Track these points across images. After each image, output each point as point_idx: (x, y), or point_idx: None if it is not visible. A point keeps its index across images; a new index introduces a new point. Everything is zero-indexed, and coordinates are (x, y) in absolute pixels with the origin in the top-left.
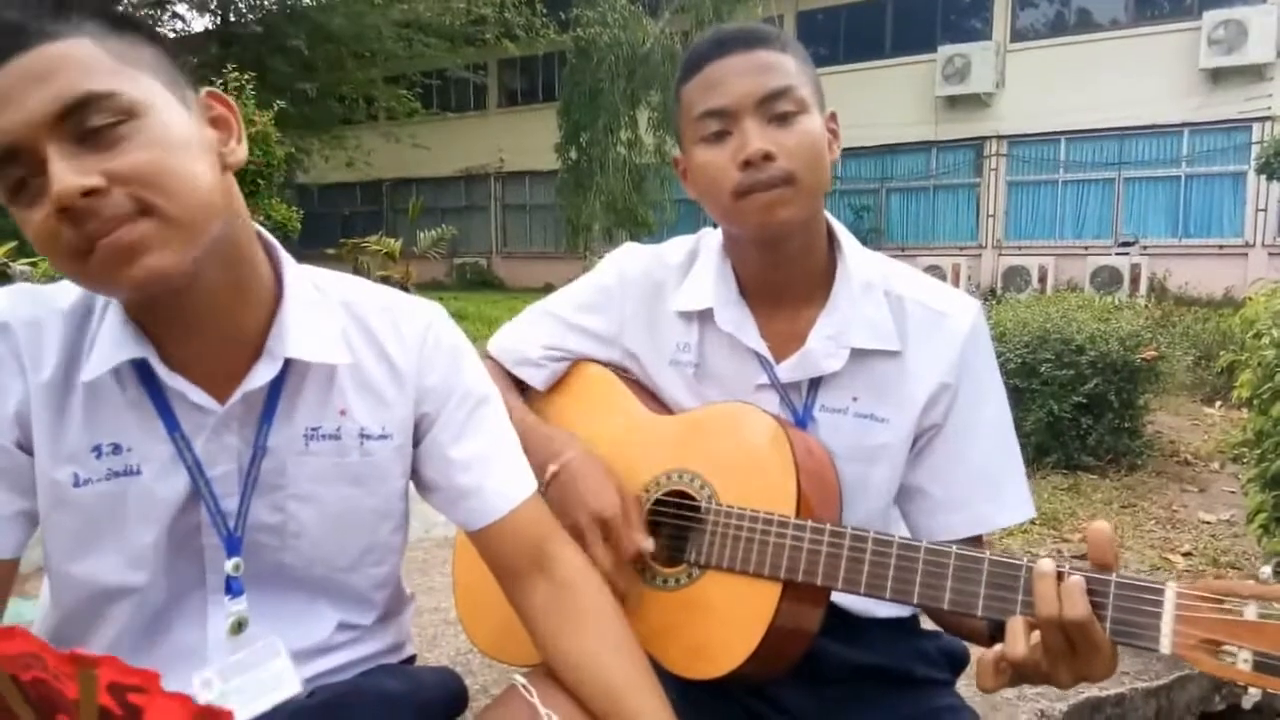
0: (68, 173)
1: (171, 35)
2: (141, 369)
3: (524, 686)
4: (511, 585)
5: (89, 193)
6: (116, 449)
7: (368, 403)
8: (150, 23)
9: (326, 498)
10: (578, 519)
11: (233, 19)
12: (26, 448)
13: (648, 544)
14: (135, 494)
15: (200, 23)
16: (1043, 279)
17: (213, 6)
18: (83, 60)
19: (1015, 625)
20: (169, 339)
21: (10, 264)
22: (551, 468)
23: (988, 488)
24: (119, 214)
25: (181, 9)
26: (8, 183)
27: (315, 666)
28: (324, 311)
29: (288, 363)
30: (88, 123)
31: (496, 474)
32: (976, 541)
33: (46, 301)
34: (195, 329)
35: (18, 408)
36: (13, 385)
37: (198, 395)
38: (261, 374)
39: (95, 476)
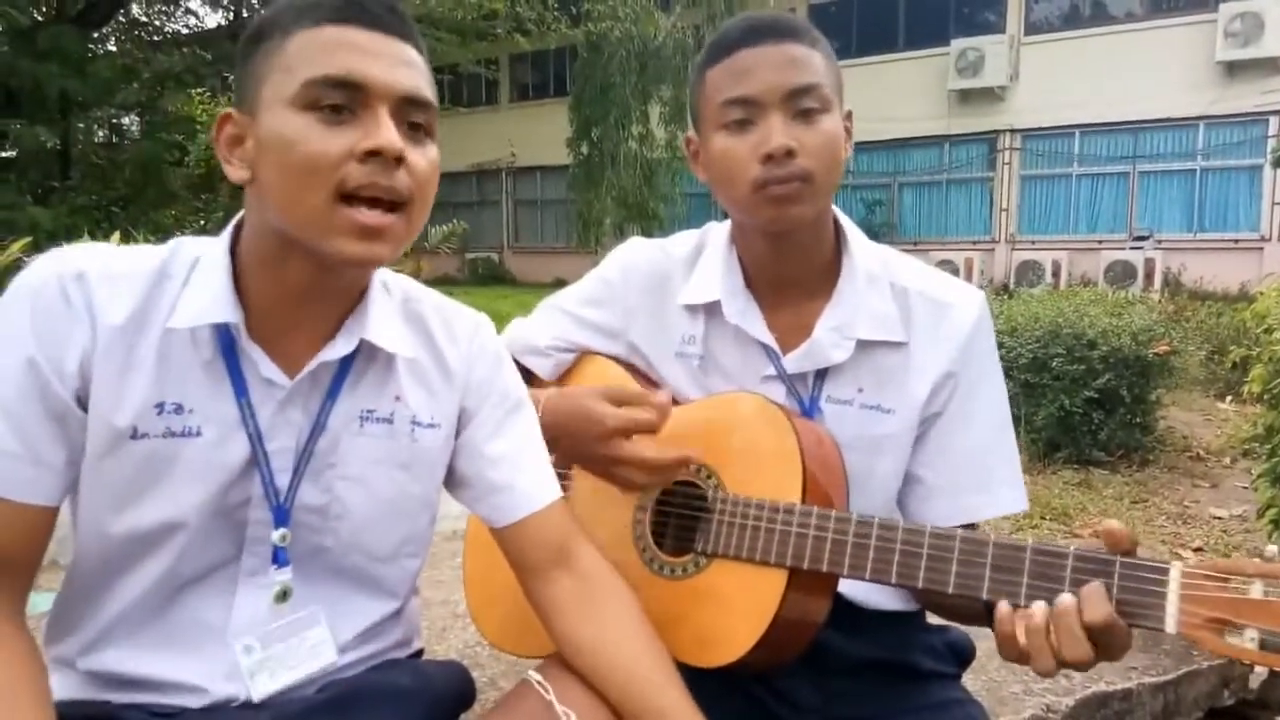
0: (393, 132)
1: (185, 32)
2: (222, 334)
3: (538, 683)
4: (532, 580)
5: (399, 158)
6: (179, 409)
7: (420, 392)
8: (164, 19)
9: (374, 480)
10: (593, 451)
11: (245, 14)
12: (84, 402)
13: (663, 395)
14: (189, 455)
15: (213, 19)
16: (1056, 274)
17: (225, 2)
18: None
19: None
20: (262, 311)
21: (25, 259)
22: None
23: (979, 477)
24: (400, 189)
25: (195, 4)
26: (325, 99)
27: (338, 660)
28: (389, 305)
29: (359, 346)
30: (411, 118)
31: (526, 474)
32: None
33: (127, 259)
34: (298, 307)
35: (82, 359)
36: (78, 334)
37: (270, 369)
38: (338, 349)
39: (153, 432)
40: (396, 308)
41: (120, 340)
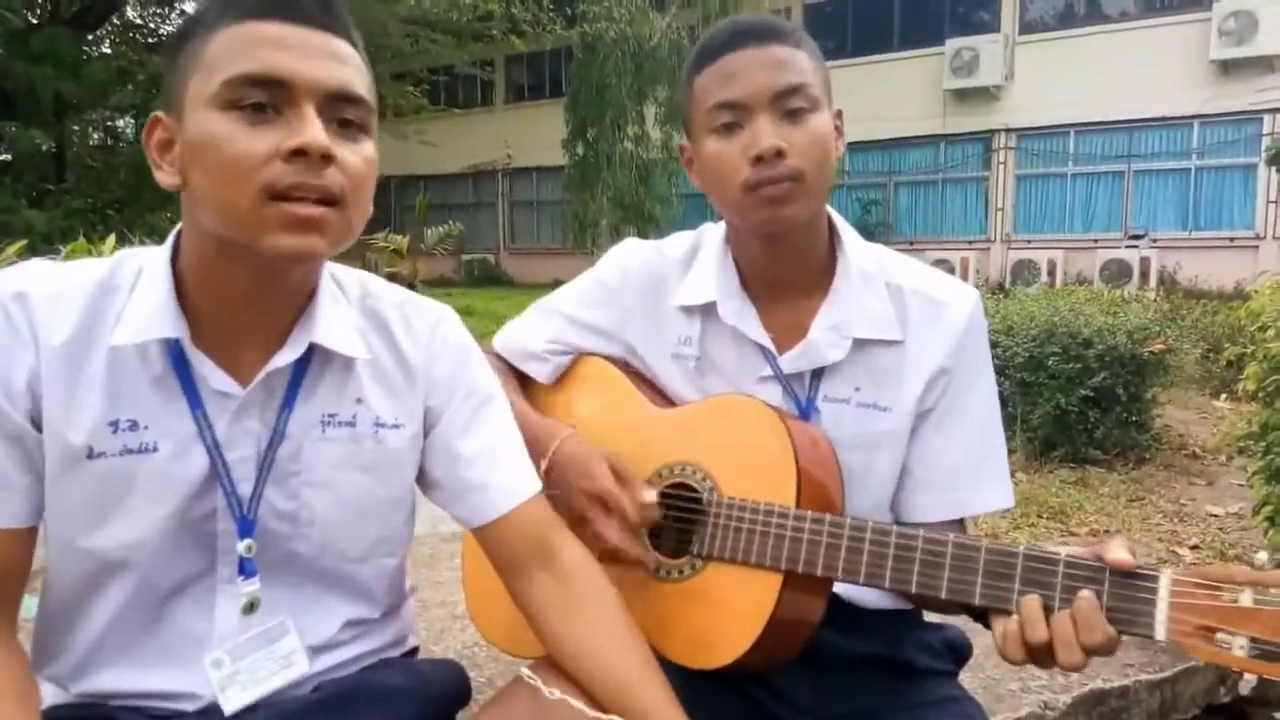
0: (317, 130)
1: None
2: (171, 347)
3: (529, 678)
4: (514, 580)
5: (326, 156)
6: (134, 425)
7: (382, 393)
8: (159, 22)
9: (341, 484)
10: (575, 503)
11: None
12: (38, 421)
13: (650, 496)
14: (148, 471)
15: None
16: (1052, 272)
17: None
18: None
19: (1032, 610)
20: (209, 321)
21: (19, 262)
22: (543, 464)
23: (968, 473)
24: (330, 188)
25: (189, 6)
26: (246, 99)
27: (322, 662)
28: (345, 306)
29: (310, 350)
30: (342, 114)
31: (501, 470)
32: (955, 526)
33: (68, 276)
34: (243, 313)
35: (29, 379)
36: (23, 356)
37: (221, 380)
38: (285, 356)
39: (110, 451)
40: (354, 307)
41: (66, 359)
